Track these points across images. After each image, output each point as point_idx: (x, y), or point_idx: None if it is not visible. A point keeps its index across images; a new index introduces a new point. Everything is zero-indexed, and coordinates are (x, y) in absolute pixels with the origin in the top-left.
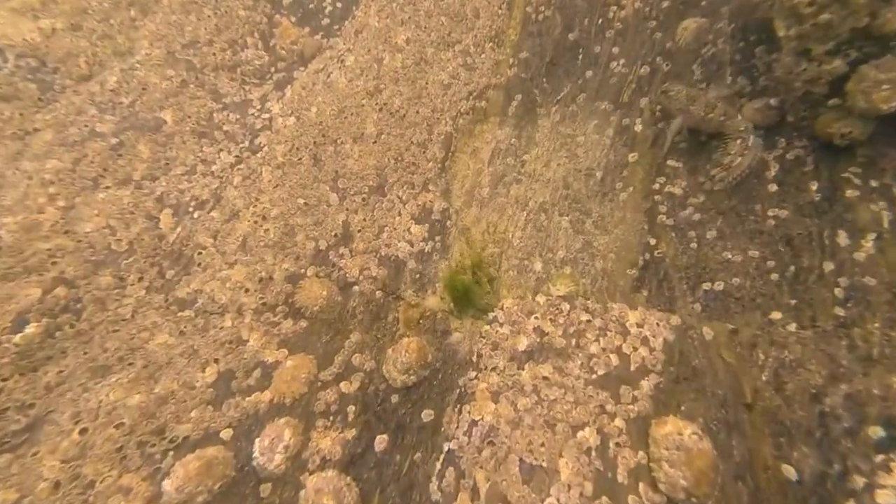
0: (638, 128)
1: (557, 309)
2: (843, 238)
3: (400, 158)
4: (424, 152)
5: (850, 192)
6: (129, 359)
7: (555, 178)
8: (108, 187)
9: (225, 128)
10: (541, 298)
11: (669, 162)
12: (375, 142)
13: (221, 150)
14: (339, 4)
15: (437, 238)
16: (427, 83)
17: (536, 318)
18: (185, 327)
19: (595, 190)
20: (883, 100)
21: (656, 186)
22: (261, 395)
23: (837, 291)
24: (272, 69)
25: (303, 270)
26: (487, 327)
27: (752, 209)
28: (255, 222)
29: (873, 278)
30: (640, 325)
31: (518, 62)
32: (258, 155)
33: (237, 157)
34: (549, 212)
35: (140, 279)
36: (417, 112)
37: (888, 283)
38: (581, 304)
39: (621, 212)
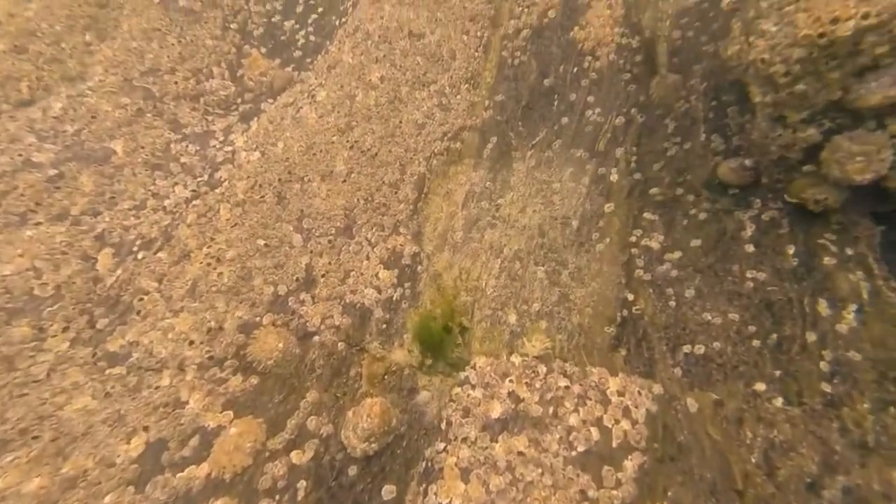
0: (614, 178)
1: (533, 372)
2: (823, 307)
3: (370, 199)
4: (396, 193)
5: (827, 260)
6: (34, 431)
7: (530, 224)
8: (38, 223)
9: (182, 160)
10: (516, 359)
11: (645, 214)
12: (345, 181)
13: (177, 183)
14: (312, 38)
15: (407, 284)
16: (401, 122)
17: (511, 381)
18: (112, 387)
19: (571, 239)
20: (857, 171)
21: (633, 239)
22: (196, 469)
23: (823, 365)
24: (238, 100)
25: (258, 319)
26: (458, 389)
27: (729, 269)
28: (208, 264)
29: (858, 353)
30: (621, 394)
31: (493, 105)
32: (217, 191)
33: (194, 191)
34: (524, 260)
35: (64, 330)
36: (390, 151)
37: (873, 359)
38: (559, 367)
39: (598, 264)
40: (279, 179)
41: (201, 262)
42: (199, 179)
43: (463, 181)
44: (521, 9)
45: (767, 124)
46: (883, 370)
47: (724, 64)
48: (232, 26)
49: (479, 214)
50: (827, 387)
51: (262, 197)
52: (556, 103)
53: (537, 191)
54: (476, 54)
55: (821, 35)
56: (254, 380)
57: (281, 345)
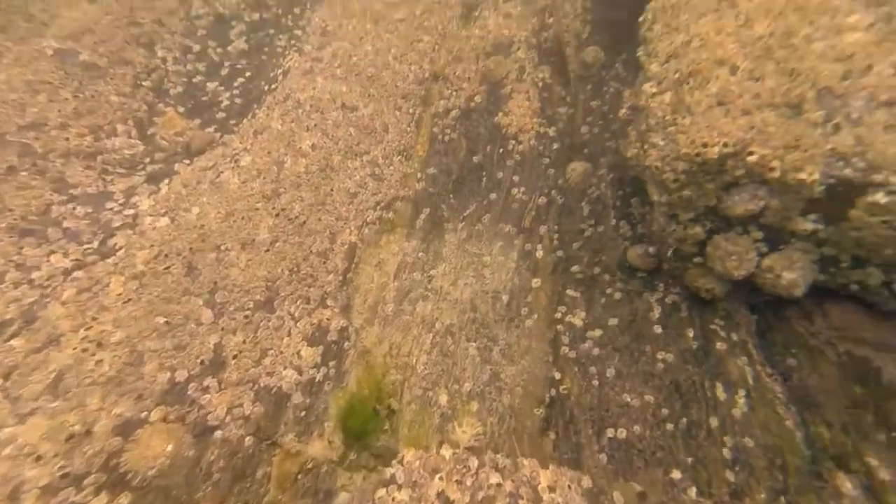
0: (539, 254)
1: (465, 466)
2: (720, 391)
3: (296, 269)
4: (325, 263)
5: (719, 345)
6: None
7: (462, 298)
8: None
9: (66, 224)
10: (446, 452)
11: (569, 291)
12: (268, 250)
13: (53, 251)
14: (237, 100)
15: (332, 363)
16: (332, 190)
17: (441, 477)
18: None
19: (502, 314)
20: (733, 268)
21: (558, 315)
22: None
23: (725, 452)
24: (147, 160)
25: (144, 414)
26: (383, 491)
27: (643, 350)
28: (84, 350)
29: (751, 439)
30: (552, 489)
31: (426, 177)
32: (109, 260)
33: (76, 261)
34: (455, 336)
35: None
36: (319, 219)
37: (763, 445)
38: (490, 459)
39: (527, 340)
40: (190, 248)
41: (75, 348)
42: (86, 247)
43: (395, 251)
44: (449, 91)
45: (664, 220)
46: (771, 457)
47: (626, 160)
48: (144, 84)
49: (412, 286)
50: (731, 475)
51: (168, 268)
52: (484, 180)
53: (469, 263)
54: (408, 129)
55: (696, 154)
56: (124, 499)
57: (170, 447)
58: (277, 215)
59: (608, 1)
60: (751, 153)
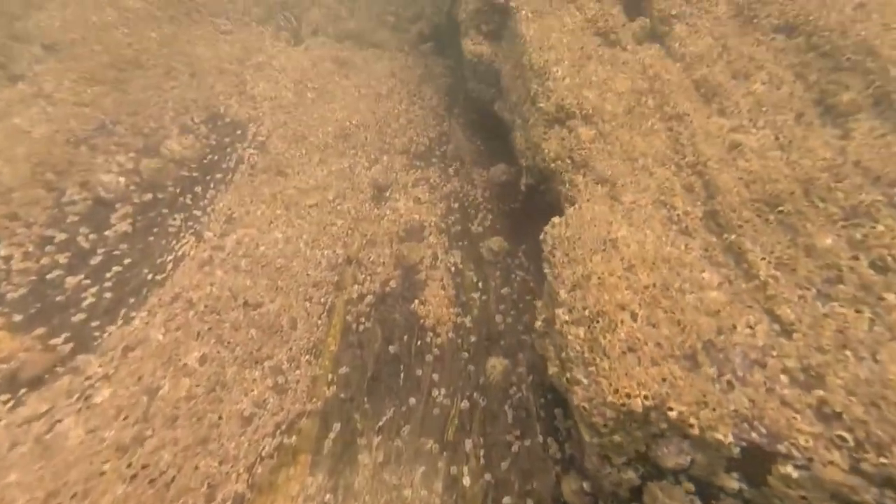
0: (466, 481)
1: None
2: None
3: None
4: None
5: None
6: None
7: None
8: None
9: None
10: None
11: None
12: None
13: None
14: (107, 295)
15: None
16: (221, 418)
17: None
18: None
19: None
20: None
21: None
22: None
23: None
24: None
25: None
26: None
27: None
28: None
29: None
30: None
31: (337, 379)
32: None
33: None
34: None
35: None
36: (197, 468)
37: None
38: None
39: None
40: None
41: None
42: None
43: (295, 493)
44: (363, 276)
45: (598, 460)
46: None
47: (546, 373)
48: None
49: None
50: None
51: None
52: (402, 376)
53: (387, 503)
54: (319, 322)
55: (622, 404)
56: None
57: None
58: (133, 477)
59: (504, 193)
60: (670, 408)
